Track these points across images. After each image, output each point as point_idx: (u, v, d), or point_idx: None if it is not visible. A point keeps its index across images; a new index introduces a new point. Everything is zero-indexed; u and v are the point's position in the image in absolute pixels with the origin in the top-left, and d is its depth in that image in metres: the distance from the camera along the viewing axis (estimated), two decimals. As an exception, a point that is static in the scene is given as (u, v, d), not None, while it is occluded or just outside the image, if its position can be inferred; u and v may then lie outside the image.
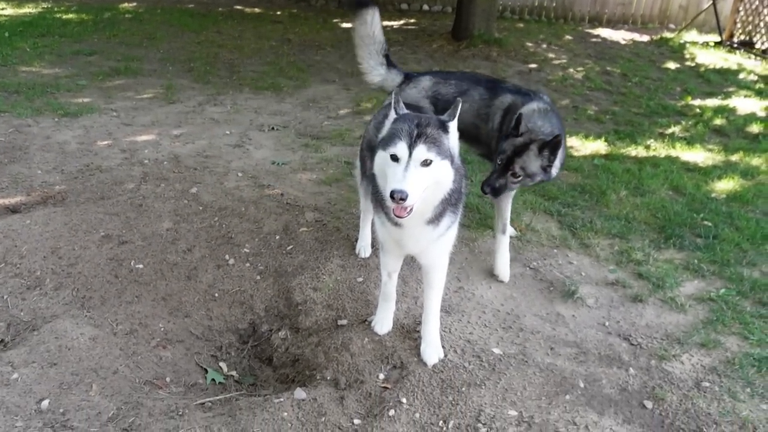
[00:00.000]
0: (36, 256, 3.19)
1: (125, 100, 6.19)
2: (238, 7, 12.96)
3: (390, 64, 3.48)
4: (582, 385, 2.46)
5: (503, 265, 3.24)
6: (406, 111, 2.26)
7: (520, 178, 2.86)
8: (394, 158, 2.06)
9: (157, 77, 7.27)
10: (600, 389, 2.45)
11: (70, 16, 10.69)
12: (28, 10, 11.30)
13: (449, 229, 2.41)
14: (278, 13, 12.63)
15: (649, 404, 2.37)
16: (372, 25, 3.34)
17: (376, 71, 3.46)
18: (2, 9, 11.15)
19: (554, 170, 2.91)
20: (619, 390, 2.45)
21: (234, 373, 2.88)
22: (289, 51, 9.19)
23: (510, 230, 3.33)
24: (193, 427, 2.23)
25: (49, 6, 11.83)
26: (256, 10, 12.83)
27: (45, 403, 2.31)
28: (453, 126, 2.19)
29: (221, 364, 2.91)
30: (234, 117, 5.90)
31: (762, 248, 3.60)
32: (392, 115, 2.24)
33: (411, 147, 2.03)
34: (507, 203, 3.20)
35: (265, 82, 7.29)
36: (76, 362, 2.54)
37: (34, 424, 2.21)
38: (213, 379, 2.79)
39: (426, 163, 2.04)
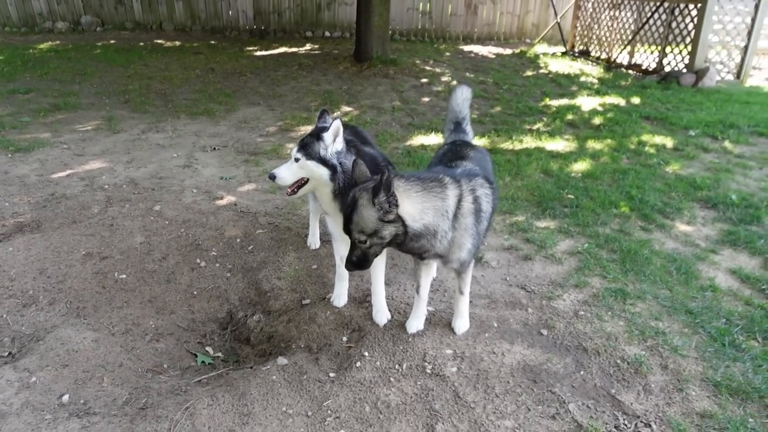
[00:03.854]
0: (26, 277, 3.14)
1: (72, 133, 5.95)
2: (159, 41, 12.51)
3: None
4: (495, 325, 2.87)
5: (461, 321, 2.80)
6: (320, 125, 2.78)
7: (366, 245, 2.19)
8: None
9: (97, 110, 6.99)
10: (509, 326, 2.86)
11: (-4, 56, 9.88)
12: (-51, 52, 10.29)
13: None
14: (196, 44, 12.33)
15: (544, 332, 2.81)
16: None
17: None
18: None
19: (417, 220, 2.16)
20: (522, 325, 2.87)
21: (220, 354, 3.02)
22: (214, 79, 9.09)
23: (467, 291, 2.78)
24: (200, 397, 2.39)
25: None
26: (177, 43, 12.45)
27: (65, 398, 2.37)
28: (327, 136, 2.63)
29: (207, 348, 3.04)
30: (177, 141, 5.86)
31: (610, 211, 4.21)
32: None
33: (293, 150, 2.68)
34: (468, 273, 2.66)
35: (199, 108, 7.23)
36: (85, 361, 2.59)
37: (61, 415, 2.27)
38: (203, 361, 2.92)
39: (297, 160, 2.64)
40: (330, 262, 3.44)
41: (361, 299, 3.09)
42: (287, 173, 2.68)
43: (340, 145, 2.64)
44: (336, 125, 2.61)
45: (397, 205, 2.13)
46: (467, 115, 3.21)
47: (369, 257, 2.25)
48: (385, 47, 10.33)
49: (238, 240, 3.73)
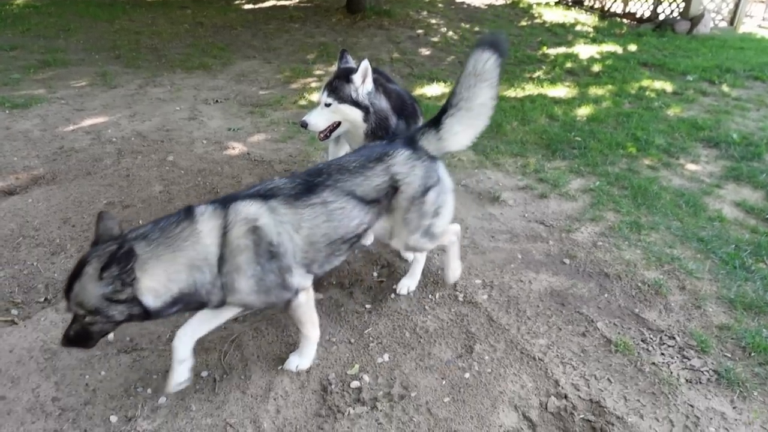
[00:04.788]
0: (50, 226, 3.14)
1: (67, 89, 5.79)
2: (141, -4, 12.01)
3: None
4: (519, 256, 2.97)
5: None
6: (344, 67, 2.73)
7: (86, 320, 1.74)
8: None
9: (88, 66, 6.78)
10: (532, 257, 2.97)
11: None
12: None
13: None
14: (181, -1, 11.88)
15: (567, 261, 2.93)
16: None
17: None
18: None
19: (162, 294, 1.72)
20: (545, 256, 2.98)
21: (250, 295, 3.10)
22: (204, 33, 8.81)
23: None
24: (245, 330, 2.47)
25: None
26: (160, -3, 11.97)
27: (110, 336, 2.42)
28: (356, 77, 2.56)
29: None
30: (178, 95, 5.74)
31: (617, 152, 4.29)
32: None
33: (321, 95, 2.63)
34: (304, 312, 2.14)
35: (194, 63, 7.04)
36: (125, 302, 2.64)
37: (110, 351, 2.34)
38: (235, 302, 2.99)
39: (327, 105, 2.61)
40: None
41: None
42: (319, 119, 2.66)
43: (370, 85, 2.61)
44: (364, 65, 2.57)
45: (131, 284, 1.67)
46: (460, 102, 2.14)
47: (92, 335, 1.78)
48: (379, -2, 10.10)
49: (256, 187, 3.74)
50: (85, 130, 4.64)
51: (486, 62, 2.10)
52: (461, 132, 2.22)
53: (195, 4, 11.20)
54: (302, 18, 10.03)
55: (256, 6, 11.31)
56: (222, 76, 6.55)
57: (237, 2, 11.69)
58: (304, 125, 2.70)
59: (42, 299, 2.76)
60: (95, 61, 7.03)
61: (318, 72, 6.85)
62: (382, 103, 2.66)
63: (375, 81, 2.74)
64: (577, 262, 2.91)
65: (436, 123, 2.22)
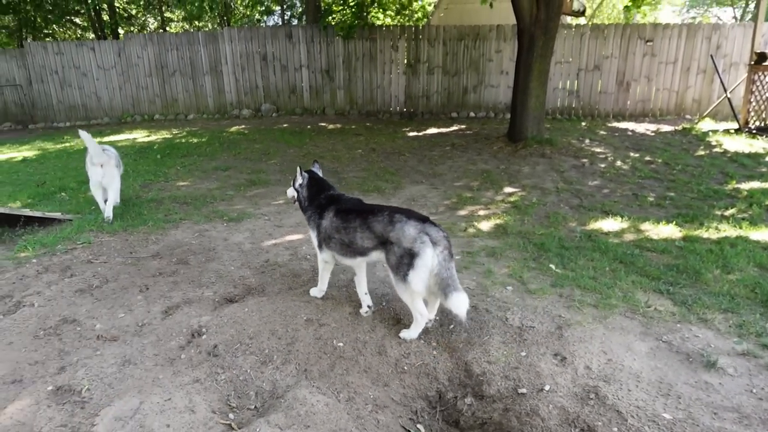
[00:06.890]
0: (261, 336, 3.48)
1: (268, 206, 6.71)
2: (322, 124, 13.89)
3: None
4: (757, 444, 2.51)
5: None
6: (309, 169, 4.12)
7: None
8: None
9: (283, 186, 7.82)
10: (775, 448, 2.48)
11: (199, 139, 11.71)
12: (165, 135, 12.45)
13: None
14: (354, 126, 13.45)
15: (827, 461, 2.39)
16: None
17: None
18: (147, 136, 12.31)
19: None
20: (793, 449, 2.48)
21: (432, 435, 3.01)
22: (377, 158, 9.75)
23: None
24: None
25: (178, 132, 12.99)
26: (338, 125, 13.72)
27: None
28: (297, 176, 3.98)
29: (419, 426, 3.05)
30: (358, 216, 6.28)
31: None
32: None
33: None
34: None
35: (369, 186, 7.75)
36: (321, 424, 2.73)
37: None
38: (418, 440, 2.93)
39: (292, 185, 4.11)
40: (538, 350, 3.33)
41: (584, 396, 2.92)
42: (290, 192, 4.11)
43: (299, 180, 3.97)
44: (297, 171, 3.98)
45: None
46: None
47: None
48: (540, 127, 10.38)
49: (437, 317, 3.79)
50: (285, 245, 5.24)
51: None
52: None
53: (367, 132, 12.62)
54: (464, 145, 10.65)
55: (420, 133, 12.36)
56: (394, 199, 7.07)
57: (403, 129, 12.92)
58: (286, 193, 4.31)
59: (252, 407, 2.98)
60: (288, 181, 8.07)
61: (484, 200, 7.05)
62: (304, 192, 3.98)
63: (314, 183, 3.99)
64: (843, 465, 2.36)
65: None
